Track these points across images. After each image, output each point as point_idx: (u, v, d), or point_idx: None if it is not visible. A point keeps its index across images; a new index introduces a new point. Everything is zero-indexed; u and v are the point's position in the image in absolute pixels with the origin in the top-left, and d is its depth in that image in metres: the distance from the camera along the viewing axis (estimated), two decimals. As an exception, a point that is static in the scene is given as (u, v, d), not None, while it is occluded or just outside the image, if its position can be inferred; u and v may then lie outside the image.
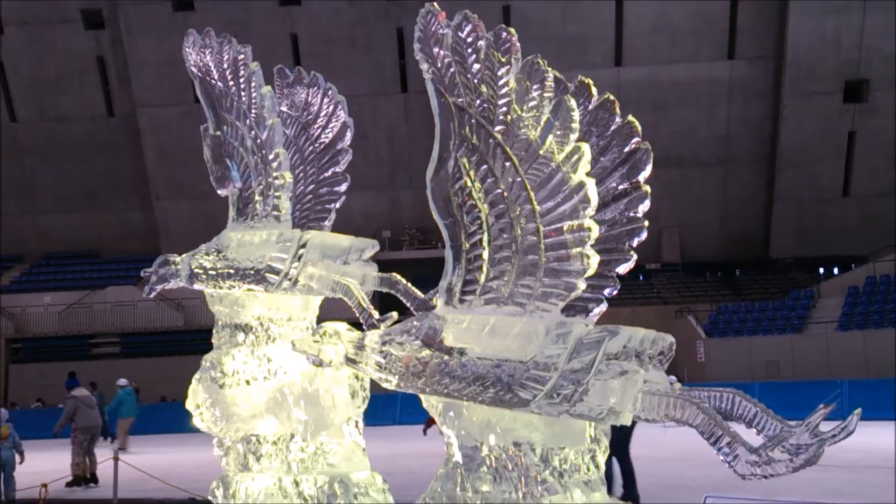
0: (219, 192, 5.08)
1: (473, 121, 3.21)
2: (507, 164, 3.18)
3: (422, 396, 3.76)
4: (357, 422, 4.98)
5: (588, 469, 3.40)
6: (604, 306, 3.49)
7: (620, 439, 7.54)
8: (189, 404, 5.15)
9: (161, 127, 34.40)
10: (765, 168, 35.68)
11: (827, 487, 9.27)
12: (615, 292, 3.52)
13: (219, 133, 4.96)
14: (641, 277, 35.71)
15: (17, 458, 10.74)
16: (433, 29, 3.24)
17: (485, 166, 3.25)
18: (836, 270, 34.50)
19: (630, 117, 3.48)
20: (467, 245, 3.45)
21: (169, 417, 24.62)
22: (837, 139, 34.34)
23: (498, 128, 3.16)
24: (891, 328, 26.23)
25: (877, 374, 23.37)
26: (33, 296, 33.42)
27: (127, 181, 36.47)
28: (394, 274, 4.60)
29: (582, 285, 3.24)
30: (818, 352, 26.55)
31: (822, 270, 35.65)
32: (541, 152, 3.10)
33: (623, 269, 3.51)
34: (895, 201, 32.96)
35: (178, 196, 34.69)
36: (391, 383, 3.76)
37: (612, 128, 3.48)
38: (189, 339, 28.20)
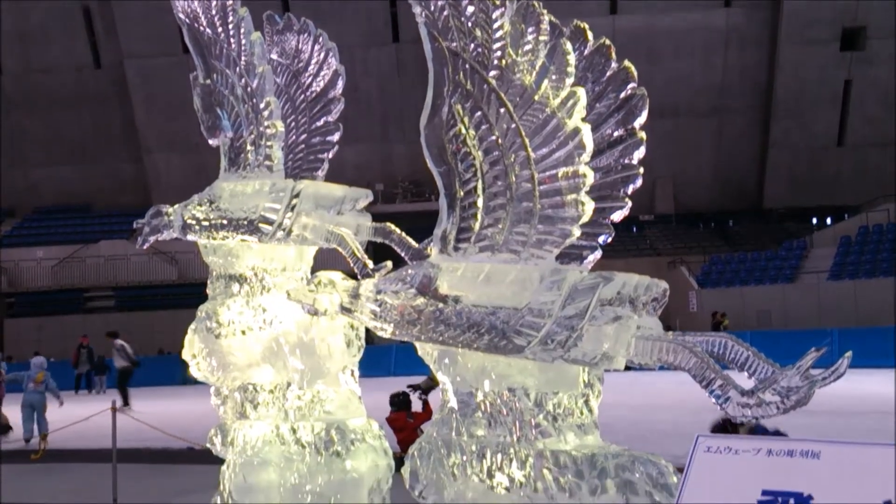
0: (210, 141, 5.03)
1: (468, 66, 3.17)
2: (502, 110, 3.16)
3: (417, 344, 3.78)
4: (353, 370, 5.02)
5: (581, 413, 3.45)
6: (598, 253, 3.49)
7: None
8: (185, 354, 5.18)
9: (150, 78, 33.93)
10: (760, 118, 35.49)
11: (815, 432, 9.40)
12: (609, 239, 3.52)
13: (208, 81, 4.89)
14: (635, 229, 35.76)
15: (57, 402, 13.03)
16: (426, -29, 3.18)
17: (479, 113, 3.22)
18: (829, 220, 34.61)
19: (626, 63, 3.44)
20: (462, 193, 3.44)
21: (166, 370, 24.82)
22: (833, 88, 34.11)
23: (492, 73, 3.12)
24: (882, 277, 26.43)
25: (867, 323, 23.61)
26: (25, 250, 33.34)
27: (116, 134, 36.12)
28: (388, 223, 4.59)
29: (577, 232, 3.24)
30: (810, 301, 26.78)
31: (815, 220, 35.75)
32: (536, 98, 3.07)
33: (618, 216, 3.51)
34: (889, 151, 32.88)
35: (169, 149, 34.39)
36: (386, 332, 3.78)
37: (608, 74, 3.45)
38: (184, 292, 28.25)
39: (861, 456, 2.03)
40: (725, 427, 4.52)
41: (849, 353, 2.62)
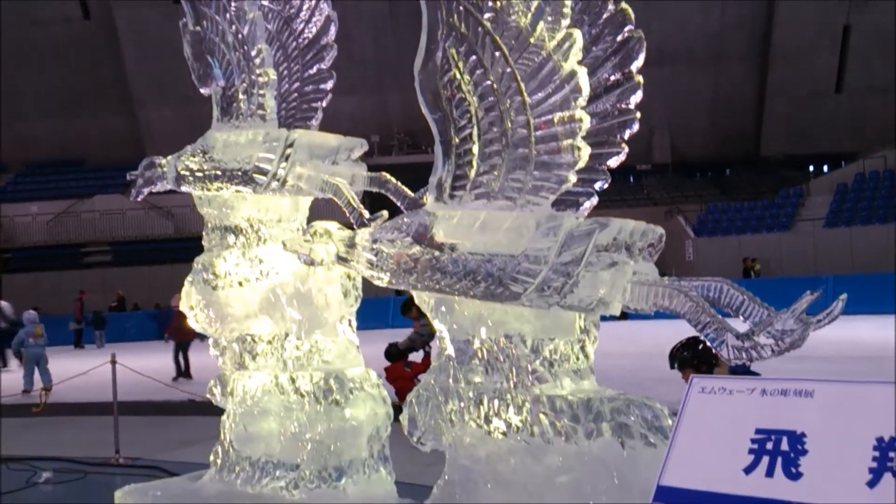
0: (201, 90, 4.96)
1: (461, 8, 3.11)
2: (497, 53, 3.11)
3: (414, 292, 3.79)
4: (350, 320, 5.03)
5: (577, 358, 3.47)
6: (594, 200, 3.47)
7: None
8: (183, 306, 5.19)
9: (140, 29, 33.40)
10: (757, 65, 35.14)
11: (807, 376, 9.52)
12: (606, 185, 3.50)
13: (198, 29, 4.80)
14: (632, 179, 35.68)
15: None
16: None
17: (474, 57, 3.17)
18: (826, 168, 34.53)
19: (623, 4, 3.37)
20: (457, 140, 3.41)
21: (164, 324, 24.95)
22: (832, 34, 33.71)
23: (487, 15, 3.07)
24: (878, 224, 26.50)
25: (863, 270, 23.74)
26: (20, 206, 33.23)
27: (108, 86, 35.70)
28: (383, 173, 4.56)
29: (573, 178, 3.22)
30: (806, 249, 26.89)
31: (812, 168, 35.67)
32: (531, 40, 3.02)
33: (614, 162, 3.48)
34: (888, 97, 32.63)
35: (162, 101, 34.04)
36: (383, 280, 3.78)
37: (605, 16, 3.37)
38: (180, 247, 28.23)
39: (854, 394, 2.05)
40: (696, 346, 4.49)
41: (843, 296, 2.63)
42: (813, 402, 2.09)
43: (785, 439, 2.04)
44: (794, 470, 2.00)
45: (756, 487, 2.03)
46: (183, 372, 14.83)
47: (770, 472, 2.03)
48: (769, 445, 2.06)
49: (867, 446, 1.93)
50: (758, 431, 2.10)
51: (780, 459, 2.03)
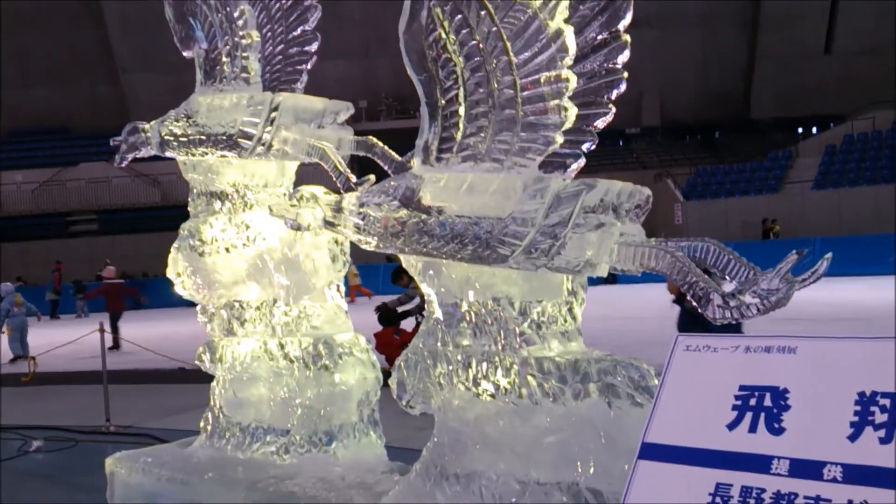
0: (184, 53, 4.88)
1: (446, -34, 3.05)
2: (483, 12, 3.06)
3: (401, 256, 3.78)
4: (338, 285, 5.02)
5: (565, 320, 3.48)
6: (582, 161, 3.45)
7: None
8: (170, 273, 5.16)
9: (123, -6, 32.86)
10: (747, 27, 34.93)
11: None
12: (594, 147, 3.48)
13: (180, -10, 4.72)
14: (621, 142, 35.61)
15: (35, 318, 14.11)
16: None
17: (459, 16, 3.12)
18: (814, 130, 34.53)
19: (610, -37, 3.32)
20: (443, 101, 3.37)
21: (152, 293, 24.88)
22: (822, -6, 33.52)
23: (471, -27, 3.02)
24: (865, 186, 26.58)
25: (850, 232, 23.88)
26: (4, 174, 32.89)
27: (92, 54, 35.21)
28: (370, 137, 4.52)
29: (560, 139, 3.20)
30: (794, 211, 26.99)
31: (801, 130, 35.67)
32: (517, -1, 2.98)
33: (602, 122, 3.45)
34: (876, 58, 32.55)
35: (147, 68, 33.60)
36: (370, 244, 3.76)
37: (591, -26, 3.32)
38: (168, 215, 28.10)
39: (836, 350, 2.07)
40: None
41: (828, 255, 2.63)
42: (796, 358, 2.10)
43: (768, 395, 2.06)
44: (776, 425, 2.02)
45: (739, 443, 2.05)
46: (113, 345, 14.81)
47: (753, 428, 2.05)
48: (752, 401, 2.08)
49: (849, 401, 1.94)
50: (741, 388, 2.11)
51: (763, 415, 2.05)
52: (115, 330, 14.92)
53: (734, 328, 5.88)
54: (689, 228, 27.32)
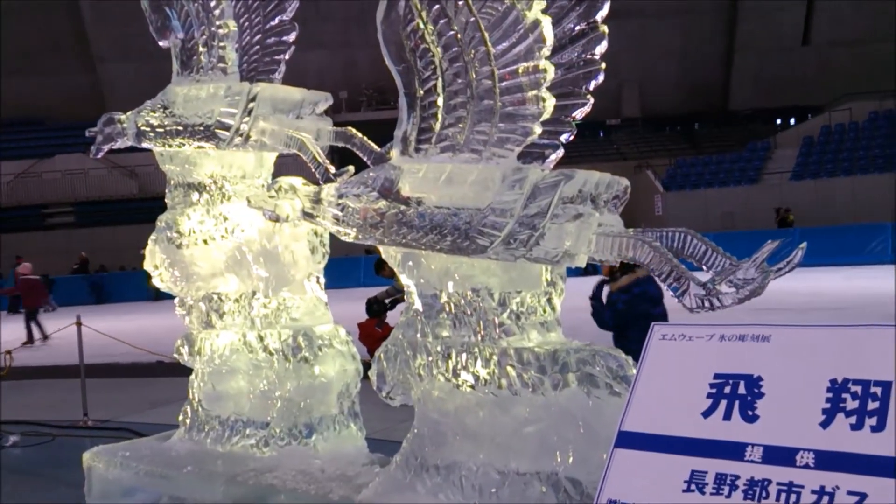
0: (160, 43, 4.83)
1: (423, -45, 3.04)
2: (460, 3, 3.05)
3: (381, 247, 3.77)
4: (318, 277, 5.00)
5: (544, 311, 3.49)
6: (560, 152, 3.45)
7: None
8: (147, 265, 5.12)
9: (98, -17, 32.43)
10: (726, 18, 35.11)
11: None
12: (572, 137, 3.48)
13: (155, -21, 4.67)
14: (601, 133, 35.72)
15: None
16: None
17: (437, 6, 3.11)
18: (792, 121, 34.82)
19: (588, -47, 3.31)
20: (421, 92, 3.36)
21: (130, 286, 24.70)
22: (800, -14, 33.74)
23: (449, -38, 3.00)
24: (843, 177, 26.86)
25: (828, 222, 24.11)
26: (-21, 166, 32.42)
27: (67, 43, 34.74)
28: (349, 128, 4.50)
29: (538, 129, 3.20)
30: (773, 202, 27.21)
31: (779, 121, 35.95)
32: (494, -12, 2.97)
33: (580, 113, 3.46)
34: (854, 49, 32.85)
35: (123, 58, 33.22)
36: (349, 236, 3.75)
37: (569, -35, 3.32)
38: (145, 207, 27.87)
39: (808, 338, 2.09)
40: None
41: (803, 245, 2.65)
42: (769, 346, 2.12)
43: (742, 383, 2.09)
44: (750, 413, 2.05)
45: (714, 430, 2.07)
46: (37, 338, 14.88)
47: (728, 416, 2.07)
48: (727, 389, 2.10)
49: (821, 388, 1.97)
50: (716, 376, 2.14)
51: (737, 403, 2.07)
52: (29, 326, 14.97)
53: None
54: (669, 219, 27.46)
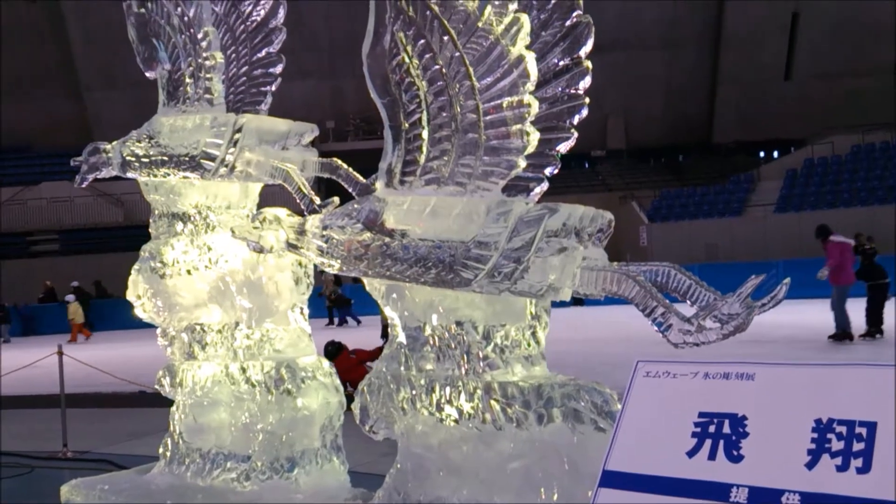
0: (147, 74, 4.84)
1: (409, -10, 3.06)
2: (445, 37, 3.07)
3: (365, 279, 3.75)
4: (302, 308, 4.97)
5: (528, 344, 3.48)
6: (545, 185, 3.47)
7: None
8: (130, 295, 5.07)
9: (87, 12, 32.53)
10: (709, 52, 35.62)
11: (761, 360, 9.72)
12: (556, 171, 3.50)
13: (143, 10, 4.68)
14: (587, 165, 35.96)
15: None
16: None
17: (422, 41, 3.13)
18: (776, 154, 35.20)
19: (572, -11, 3.35)
20: (406, 125, 3.37)
21: (113, 314, 24.43)
22: (781, 21, 34.29)
23: (435, -2, 3.03)
24: (826, 209, 27.11)
25: (812, 255, 24.23)
26: (-37, 193, 32.19)
27: (54, 71, 34.72)
28: (335, 158, 4.50)
29: (522, 163, 3.21)
30: (756, 234, 27.40)
31: (762, 154, 36.33)
32: (479, 24, 2.99)
33: (564, 147, 3.48)
34: (836, 83, 33.34)
35: (110, 86, 33.22)
36: (334, 267, 3.74)
37: (553, 1, 3.36)
38: (131, 234, 27.68)
39: (793, 376, 2.08)
40: None
41: (787, 280, 2.66)
42: (754, 384, 2.11)
43: (727, 422, 2.07)
44: (735, 452, 2.03)
45: (699, 470, 2.05)
46: None
47: (713, 455, 2.05)
48: (712, 428, 2.08)
49: (806, 428, 1.96)
50: (701, 415, 2.12)
51: (722, 442, 2.05)
52: None
53: None
54: (654, 250, 27.58)
